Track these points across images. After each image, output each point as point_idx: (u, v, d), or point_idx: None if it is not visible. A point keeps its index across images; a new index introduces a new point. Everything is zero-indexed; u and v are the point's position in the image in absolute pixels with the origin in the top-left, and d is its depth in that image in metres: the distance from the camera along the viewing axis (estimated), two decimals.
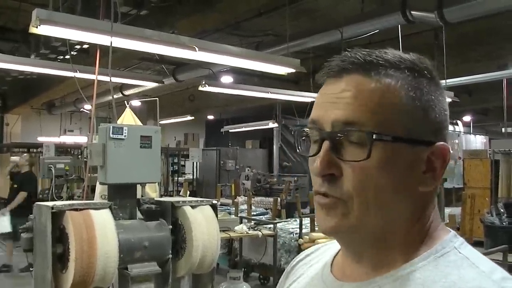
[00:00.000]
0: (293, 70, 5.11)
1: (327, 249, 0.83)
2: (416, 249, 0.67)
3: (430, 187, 0.67)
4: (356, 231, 0.67)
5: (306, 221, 5.85)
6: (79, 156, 8.56)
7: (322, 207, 0.68)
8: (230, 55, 4.60)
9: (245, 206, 7.28)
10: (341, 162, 0.66)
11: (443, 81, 6.61)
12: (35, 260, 2.59)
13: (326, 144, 0.66)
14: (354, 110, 0.65)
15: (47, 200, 5.70)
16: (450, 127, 12.35)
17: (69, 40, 4.56)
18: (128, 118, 4.30)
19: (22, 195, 7.01)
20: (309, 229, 5.67)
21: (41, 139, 12.50)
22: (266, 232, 5.62)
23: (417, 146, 0.66)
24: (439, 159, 0.67)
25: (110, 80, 3.64)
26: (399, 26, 5.27)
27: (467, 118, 13.81)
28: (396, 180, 0.65)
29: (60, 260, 2.44)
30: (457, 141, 12.21)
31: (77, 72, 5.05)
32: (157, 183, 4.21)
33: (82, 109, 10.52)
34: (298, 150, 0.76)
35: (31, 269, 3.59)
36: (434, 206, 0.70)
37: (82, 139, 13.50)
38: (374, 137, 0.63)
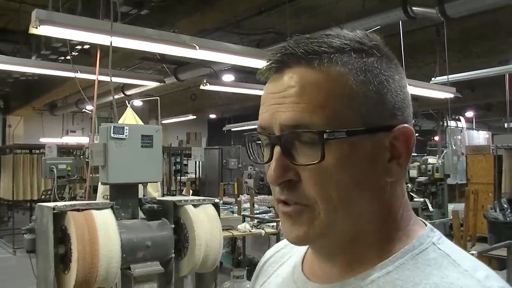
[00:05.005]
0: None
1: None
2: (391, 246, 0.62)
3: (398, 176, 0.62)
4: (326, 237, 0.61)
5: None
6: (81, 157, 8.54)
7: (286, 216, 0.62)
8: (231, 53, 4.59)
9: (248, 205, 7.26)
10: (297, 167, 0.60)
11: (444, 77, 6.62)
12: (37, 261, 2.59)
13: (277, 150, 0.60)
14: (301, 110, 0.58)
15: (49, 201, 5.70)
16: (453, 123, 12.43)
17: (70, 40, 4.56)
18: (129, 118, 4.29)
19: None
20: None
21: (43, 140, 12.52)
22: (269, 230, 5.60)
23: (377, 134, 0.60)
24: (402, 143, 0.61)
25: (111, 80, 3.63)
26: (400, 22, 5.25)
27: (469, 113, 13.79)
28: (360, 175, 0.59)
29: (63, 260, 2.44)
30: (459, 136, 12.18)
31: (78, 72, 5.04)
32: (159, 183, 4.20)
33: (84, 110, 10.54)
34: (250, 158, 0.69)
35: None
36: (404, 196, 0.65)
37: (84, 140, 13.52)
38: (325, 137, 0.57)
